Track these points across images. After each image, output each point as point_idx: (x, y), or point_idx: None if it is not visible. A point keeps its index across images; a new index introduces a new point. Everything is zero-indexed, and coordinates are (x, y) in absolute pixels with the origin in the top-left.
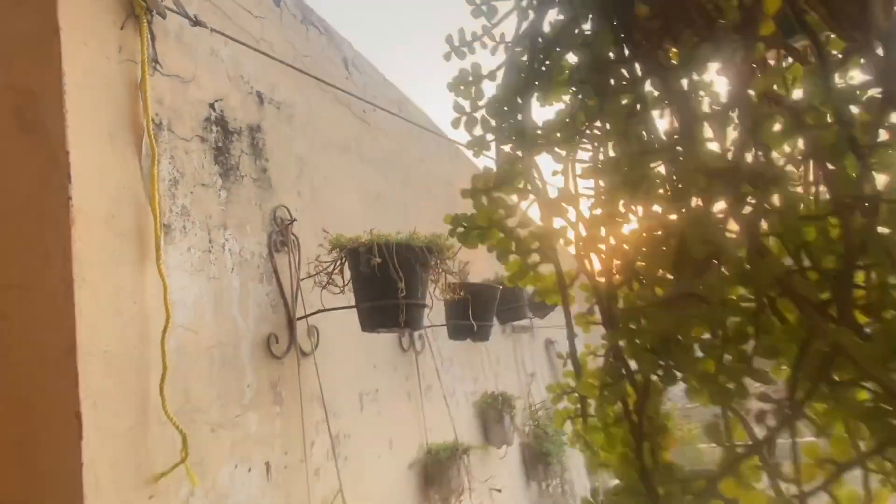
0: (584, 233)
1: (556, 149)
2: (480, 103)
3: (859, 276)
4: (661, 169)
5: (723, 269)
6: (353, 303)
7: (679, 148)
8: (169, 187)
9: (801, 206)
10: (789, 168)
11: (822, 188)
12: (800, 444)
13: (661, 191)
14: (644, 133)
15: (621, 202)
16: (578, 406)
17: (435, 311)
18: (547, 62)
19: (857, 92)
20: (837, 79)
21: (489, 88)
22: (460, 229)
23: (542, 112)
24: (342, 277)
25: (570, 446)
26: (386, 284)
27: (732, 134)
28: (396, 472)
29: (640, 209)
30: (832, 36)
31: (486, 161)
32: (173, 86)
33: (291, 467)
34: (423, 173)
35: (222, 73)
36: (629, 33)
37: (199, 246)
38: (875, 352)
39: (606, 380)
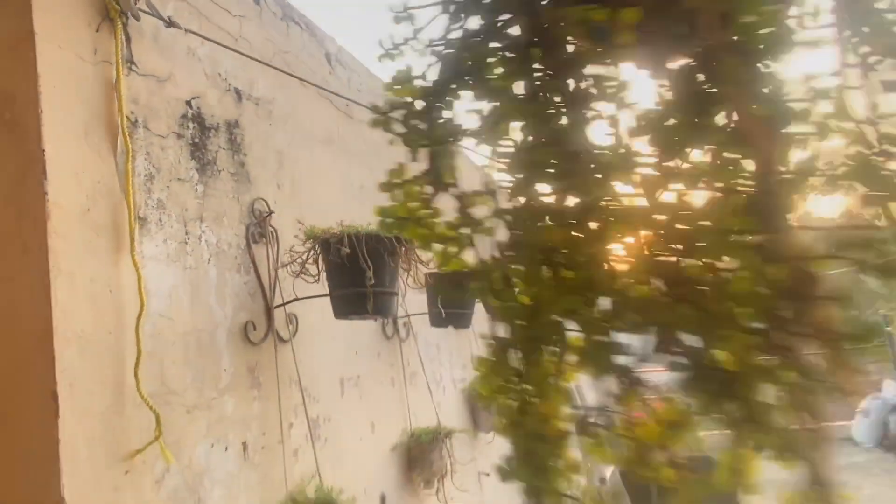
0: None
1: (480, 143)
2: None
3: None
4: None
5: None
6: (327, 292)
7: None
8: (145, 182)
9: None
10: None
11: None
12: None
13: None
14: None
15: (521, 196)
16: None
17: (421, 300)
18: (470, 62)
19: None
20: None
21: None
22: (387, 220)
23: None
24: (317, 267)
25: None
26: (355, 273)
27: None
28: (378, 454)
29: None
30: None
31: (407, 155)
32: (149, 85)
33: (269, 448)
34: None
35: (199, 72)
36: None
37: (175, 237)
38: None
39: (492, 356)
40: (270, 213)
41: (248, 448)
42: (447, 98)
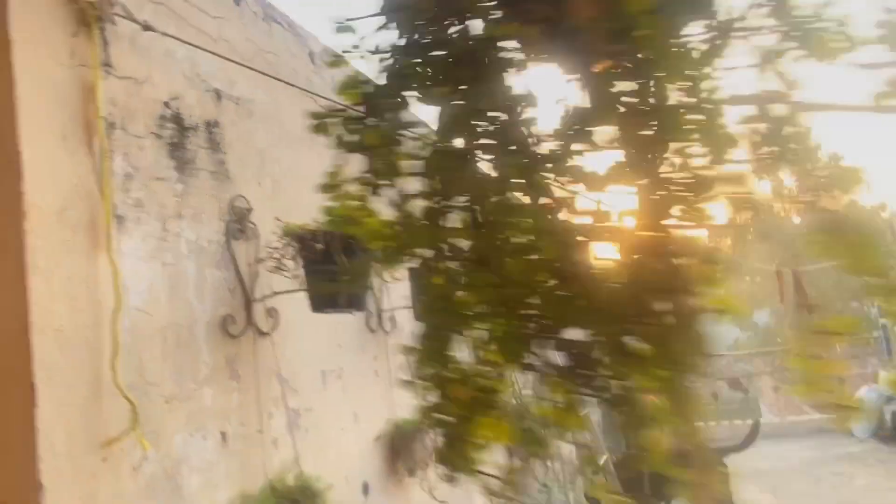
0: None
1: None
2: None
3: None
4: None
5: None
6: (305, 287)
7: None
8: (123, 182)
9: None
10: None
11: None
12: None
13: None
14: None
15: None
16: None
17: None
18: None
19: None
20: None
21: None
22: (333, 219)
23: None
24: (295, 263)
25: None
26: (329, 268)
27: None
28: (362, 444)
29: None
30: None
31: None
32: (127, 87)
33: (249, 437)
34: None
35: (178, 73)
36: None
37: (153, 235)
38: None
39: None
40: (250, 210)
41: (226, 437)
42: (387, 103)
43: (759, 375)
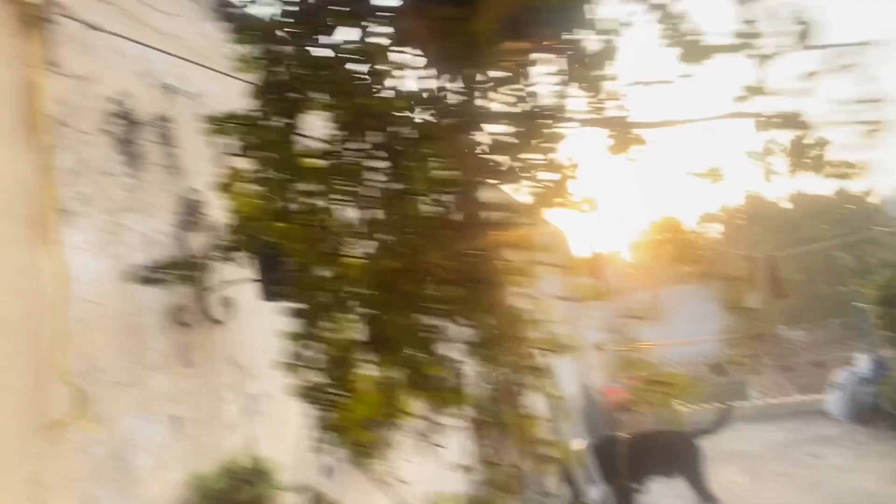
0: None
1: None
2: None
3: None
4: None
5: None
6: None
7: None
8: (69, 177)
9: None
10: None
11: None
12: None
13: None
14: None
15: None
16: None
17: None
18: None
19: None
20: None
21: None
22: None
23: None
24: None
25: None
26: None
27: None
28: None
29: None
30: None
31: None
32: (74, 85)
33: (202, 421)
34: None
35: (128, 70)
36: None
37: (101, 228)
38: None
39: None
40: (203, 202)
41: (178, 421)
42: (276, 107)
43: (747, 359)
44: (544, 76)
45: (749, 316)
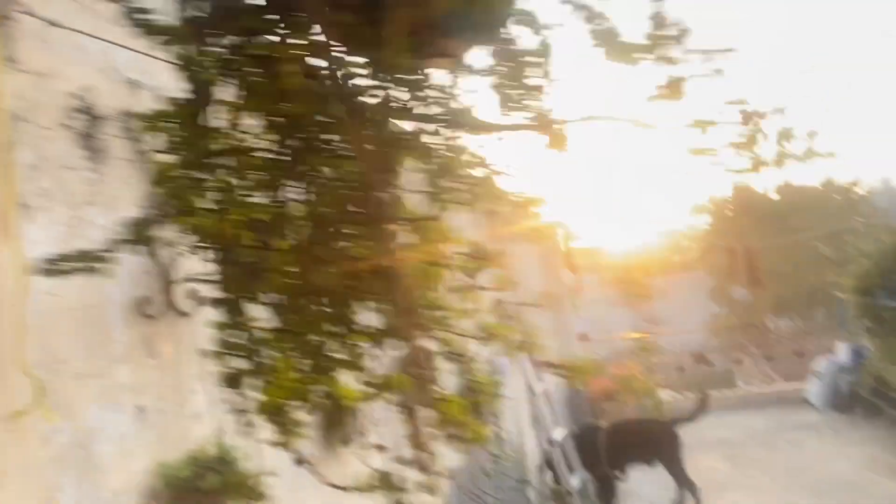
0: None
1: None
2: None
3: None
4: None
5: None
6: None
7: None
8: (30, 172)
9: None
10: None
11: None
12: None
13: None
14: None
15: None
16: None
17: None
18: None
19: None
20: None
21: None
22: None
23: None
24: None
25: None
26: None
27: None
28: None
29: None
30: None
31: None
32: (34, 81)
33: (168, 412)
34: None
35: (90, 66)
36: None
37: (62, 222)
38: None
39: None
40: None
41: (143, 411)
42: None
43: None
44: (469, 77)
45: (735, 306)
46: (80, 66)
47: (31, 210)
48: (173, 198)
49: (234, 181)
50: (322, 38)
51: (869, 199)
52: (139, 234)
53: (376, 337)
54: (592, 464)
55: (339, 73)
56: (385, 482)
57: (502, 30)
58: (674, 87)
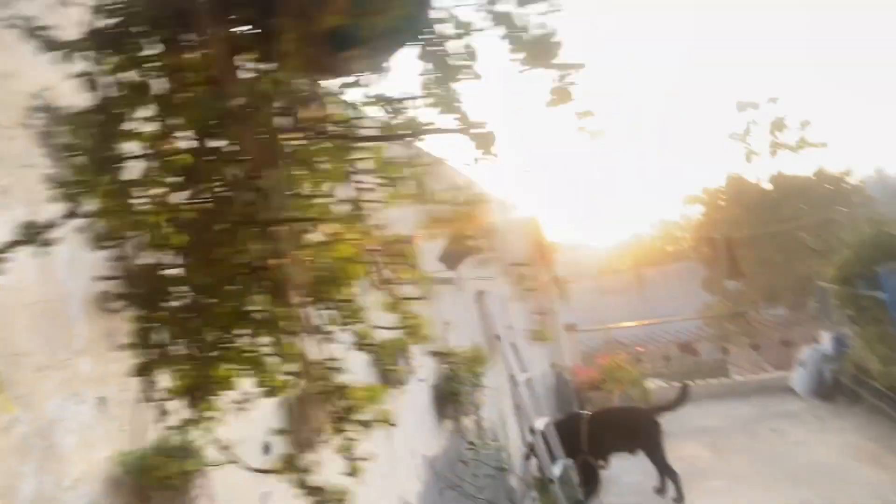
0: None
1: None
2: None
3: None
4: None
5: None
6: None
7: None
8: None
9: None
10: None
11: None
12: None
13: None
14: None
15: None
16: None
17: None
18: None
19: None
20: None
21: None
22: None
23: None
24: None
25: None
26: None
27: None
28: (264, 407)
29: None
30: None
31: None
32: None
33: (131, 403)
34: None
35: (49, 66)
36: None
37: (21, 220)
38: None
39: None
40: None
41: (106, 402)
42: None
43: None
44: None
45: (727, 296)
46: (40, 66)
47: None
48: (69, 199)
49: (133, 184)
50: (218, 49)
51: (862, 188)
52: (32, 236)
53: (260, 330)
54: (575, 452)
55: (231, 82)
56: (288, 464)
57: (402, 44)
58: (562, 94)
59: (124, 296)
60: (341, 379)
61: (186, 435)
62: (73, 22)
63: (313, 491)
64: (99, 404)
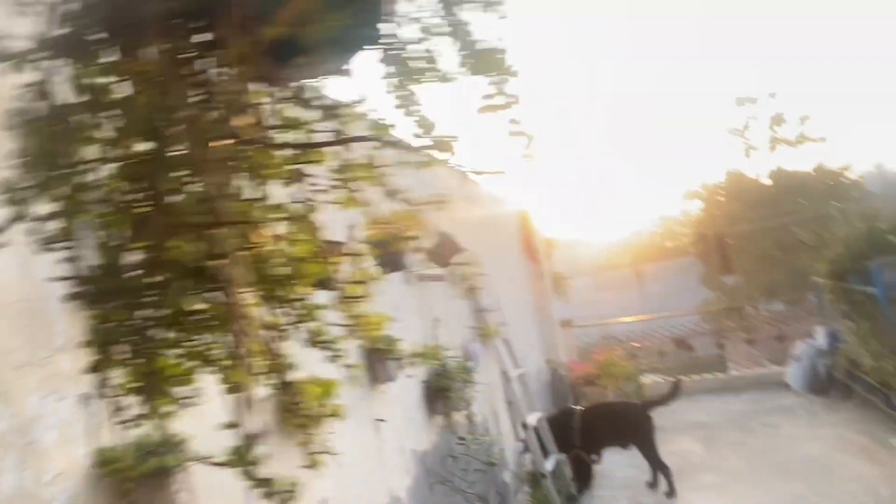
0: None
1: None
2: None
3: None
4: None
5: None
6: None
7: None
8: None
9: None
10: None
11: None
12: None
13: None
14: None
15: None
16: None
17: None
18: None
19: None
20: None
21: None
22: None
23: None
24: None
25: None
26: None
27: None
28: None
29: None
30: None
31: None
32: None
33: (106, 400)
34: None
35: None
36: None
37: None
38: None
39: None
40: None
41: (87, 399)
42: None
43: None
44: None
45: (725, 291)
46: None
47: None
48: (17, 203)
49: (84, 187)
50: (166, 57)
51: (861, 183)
52: None
53: (204, 328)
54: (567, 447)
55: (177, 89)
56: (238, 456)
57: (356, 50)
58: (496, 104)
59: (78, 295)
60: (293, 375)
61: (165, 430)
62: (27, 31)
63: (261, 483)
64: (80, 401)
